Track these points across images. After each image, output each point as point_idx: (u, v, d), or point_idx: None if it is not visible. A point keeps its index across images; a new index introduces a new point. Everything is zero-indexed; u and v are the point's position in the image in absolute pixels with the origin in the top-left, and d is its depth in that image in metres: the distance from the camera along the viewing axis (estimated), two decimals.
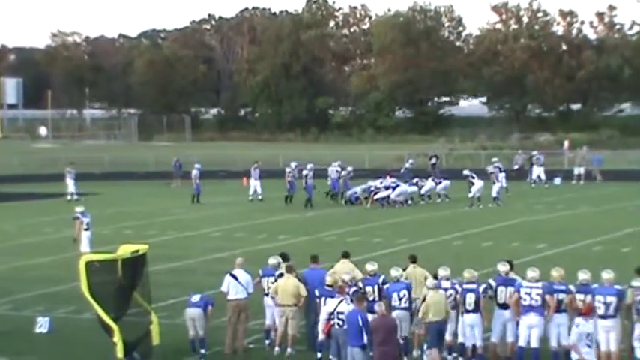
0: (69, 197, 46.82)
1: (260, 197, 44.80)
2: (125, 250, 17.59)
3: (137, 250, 17.62)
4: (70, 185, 47.51)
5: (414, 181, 43.14)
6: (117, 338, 16.82)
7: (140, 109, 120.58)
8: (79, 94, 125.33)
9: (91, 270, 16.80)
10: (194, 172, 45.49)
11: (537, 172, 50.94)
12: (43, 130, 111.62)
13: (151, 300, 18.06)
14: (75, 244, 26.75)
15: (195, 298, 18.33)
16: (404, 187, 41.74)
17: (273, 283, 18.13)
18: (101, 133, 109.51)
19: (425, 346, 16.91)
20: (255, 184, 45.36)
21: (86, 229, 26.95)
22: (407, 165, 50.12)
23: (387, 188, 41.48)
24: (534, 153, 53.42)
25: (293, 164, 44.16)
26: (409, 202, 41.82)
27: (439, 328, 16.58)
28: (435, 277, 17.15)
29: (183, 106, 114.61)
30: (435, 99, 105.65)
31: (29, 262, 21.56)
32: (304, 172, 43.19)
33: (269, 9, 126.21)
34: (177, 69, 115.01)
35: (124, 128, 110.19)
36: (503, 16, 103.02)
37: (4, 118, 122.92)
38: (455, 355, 17.09)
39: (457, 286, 16.93)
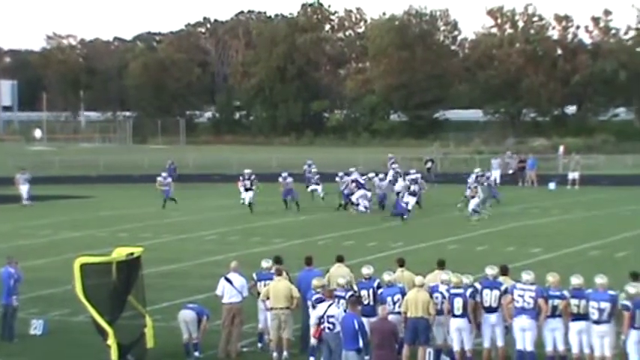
0: (25, 202, 45.93)
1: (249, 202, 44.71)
2: (120, 253, 17.59)
3: (132, 253, 17.61)
4: (24, 190, 46.34)
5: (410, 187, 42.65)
6: (111, 341, 16.81)
7: (135, 111, 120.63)
8: (74, 97, 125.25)
9: (85, 273, 16.78)
10: (159, 179, 44.88)
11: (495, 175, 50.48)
12: (38, 133, 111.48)
13: (145, 303, 18.06)
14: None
15: (191, 305, 18.38)
16: (363, 192, 41.22)
17: None
18: (96, 136, 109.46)
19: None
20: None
21: None
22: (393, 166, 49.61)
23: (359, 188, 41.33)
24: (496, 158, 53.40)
25: (284, 173, 43.55)
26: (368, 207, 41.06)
27: (415, 326, 16.67)
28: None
29: (178, 109, 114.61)
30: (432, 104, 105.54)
31: (24, 265, 21.48)
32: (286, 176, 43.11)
33: (264, 12, 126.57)
34: (172, 72, 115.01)
35: (119, 131, 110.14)
36: (499, 21, 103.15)
37: None
38: (446, 358, 17.12)
39: (444, 291, 16.93)
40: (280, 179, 43.33)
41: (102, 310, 16.92)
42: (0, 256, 23.85)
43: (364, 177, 42.11)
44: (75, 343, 19.09)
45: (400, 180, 42.87)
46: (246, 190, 41.73)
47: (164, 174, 45.77)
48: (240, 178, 42.31)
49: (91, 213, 42.49)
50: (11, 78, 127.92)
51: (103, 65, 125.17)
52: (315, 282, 17.07)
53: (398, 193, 41.28)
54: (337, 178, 44.72)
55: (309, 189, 45.36)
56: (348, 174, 44.38)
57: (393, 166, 46.48)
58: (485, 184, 41.48)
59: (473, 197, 38.33)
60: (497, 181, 49.91)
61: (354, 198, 40.78)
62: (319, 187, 44.99)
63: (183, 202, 44.66)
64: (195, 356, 17.90)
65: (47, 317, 20.73)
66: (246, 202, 41.36)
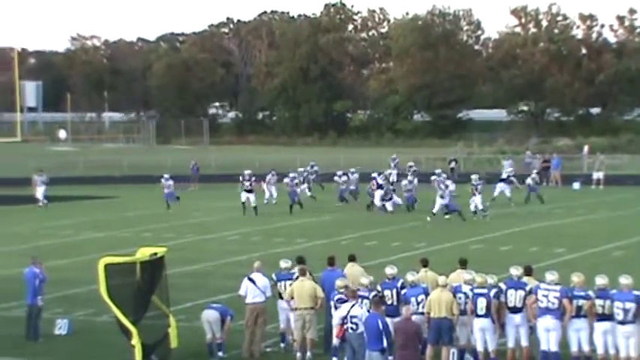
0: (41, 204, 45.84)
1: (274, 202, 44.77)
2: (144, 253, 17.61)
3: (156, 253, 17.64)
4: (40, 191, 46.15)
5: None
6: (135, 341, 16.83)
7: (158, 112, 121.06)
8: (98, 98, 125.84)
9: (109, 273, 16.82)
10: (164, 182, 44.29)
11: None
12: (62, 134, 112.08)
13: (169, 303, 18.08)
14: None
15: (215, 305, 18.41)
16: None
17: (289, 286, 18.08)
18: (120, 137, 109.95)
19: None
20: (271, 189, 45.40)
21: None
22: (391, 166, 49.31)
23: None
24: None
25: (292, 174, 43.39)
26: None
27: (438, 327, 16.62)
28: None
29: (201, 110, 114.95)
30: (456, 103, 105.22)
31: (47, 265, 21.57)
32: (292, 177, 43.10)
33: (287, 13, 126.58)
34: (196, 72, 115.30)
35: (143, 131, 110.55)
36: (523, 20, 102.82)
37: (24, 121, 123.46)
38: (470, 359, 17.06)
39: (467, 291, 16.87)
40: (287, 180, 42.73)
41: (126, 310, 16.94)
42: (24, 257, 24.01)
43: (381, 176, 41.99)
44: (99, 342, 19.15)
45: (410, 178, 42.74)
46: (247, 191, 40.76)
47: (166, 175, 45.06)
48: (240, 178, 41.49)
49: (114, 213, 42.63)
50: (36, 79, 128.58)
51: (127, 66, 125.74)
52: (338, 282, 17.03)
53: (409, 191, 41.26)
54: (336, 178, 45.10)
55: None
56: (346, 174, 44.62)
57: (409, 165, 46.34)
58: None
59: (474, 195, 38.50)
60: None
61: (376, 200, 40.76)
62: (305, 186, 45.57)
63: (207, 203, 44.75)
64: (218, 356, 17.90)
65: (72, 317, 20.80)
66: (252, 205, 40.35)
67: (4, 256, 30.38)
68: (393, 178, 44.84)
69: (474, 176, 39.73)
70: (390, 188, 41.29)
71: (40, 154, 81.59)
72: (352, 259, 19.00)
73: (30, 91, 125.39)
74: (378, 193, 40.91)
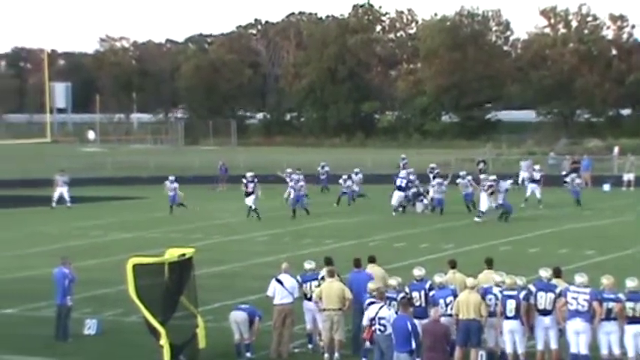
0: (54, 205, 45.52)
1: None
2: (172, 253, 17.66)
3: (184, 254, 17.68)
4: (64, 192, 45.80)
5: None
6: (163, 341, 16.87)
7: (186, 113, 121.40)
8: (127, 99, 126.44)
9: (138, 273, 16.87)
10: (169, 185, 43.31)
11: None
12: (91, 134, 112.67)
13: (197, 303, 18.12)
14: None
15: (243, 305, 18.43)
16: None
17: (316, 287, 18.07)
18: (148, 137, 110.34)
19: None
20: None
21: None
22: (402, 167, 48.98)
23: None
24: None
25: (295, 176, 42.23)
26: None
27: (466, 328, 16.55)
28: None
29: (229, 111, 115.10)
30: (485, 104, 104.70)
31: (76, 265, 21.68)
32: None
33: (315, 13, 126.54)
34: (224, 73, 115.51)
35: (171, 132, 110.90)
36: (552, 21, 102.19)
37: (54, 122, 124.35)
38: None
39: (497, 293, 16.78)
40: (291, 183, 41.74)
41: (154, 310, 16.98)
42: (53, 257, 24.14)
43: (402, 177, 41.91)
44: (128, 343, 19.22)
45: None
46: (247, 195, 39.55)
47: (171, 177, 43.82)
48: (244, 181, 39.99)
49: (142, 214, 42.79)
50: (65, 80, 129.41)
51: (156, 67, 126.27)
52: (370, 285, 16.96)
53: (440, 193, 41.04)
54: (340, 181, 45.07)
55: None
56: (350, 176, 44.59)
57: (432, 167, 46.03)
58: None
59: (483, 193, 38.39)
60: (526, 183, 49.25)
61: (393, 200, 40.68)
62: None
63: (235, 204, 44.76)
64: (246, 357, 17.92)
65: (101, 317, 20.90)
66: (252, 207, 39.23)
67: (33, 257, 30.57)
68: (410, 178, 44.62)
69: (482, 176, 39.96)
70: (422, 189, 41.25)
71: (69, 154, 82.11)
72: (372, 260, 19.01)
73: (59, 93, 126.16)
74: (397, 195, 40.87)
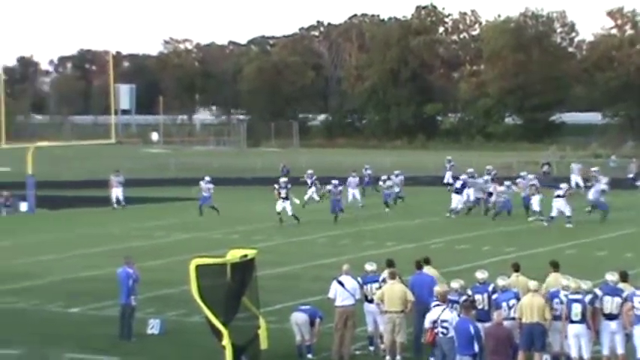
0: (115, 206, 45.88)
1: (360, 204, 44.69)
2: (234, 254, 17.69)
3: (246, 255, 17.71)
4: (118, 192, 45.99)
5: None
6: (226, 342, 16.91)
7: (249, 114, 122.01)
8: (190, 100, 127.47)
9: (200, 274, 16.94)
10: (204, 185, 42.76)
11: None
12: (154, 136, 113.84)
13: (259, 304, 18.15)
14: None
15: (304, 307, 18.44)
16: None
17: (377, 289, 18.00)
18: (210, 139, 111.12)
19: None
20: (353, 192, 45.07)
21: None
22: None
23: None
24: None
25: (334, 181, 40.82)
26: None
27: (530, 332, 16.35)
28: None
29: (291, 112, 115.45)
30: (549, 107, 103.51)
31: (139, 265, 21.85)
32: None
33: (378, 15, 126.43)
34: (286, 75, 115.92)
35: (233, 134, 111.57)
36: (619, 22, 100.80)
37: (118, 123, 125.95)
38: None
39: (563, 297, 16.55)
40: (330, 187, 40.87)
41: (217, 311, 17.04)
42: (117, 257, 24.37)
43: (462, 179, 41.71)
44: (190, 343, 19.32)
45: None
46: (283, 199, 38.46)
47: (207, 178, 43.21)
48: (276, 186, 39.05)
49: (204, 215, 42.99)
50: (129, 82, 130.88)
51: (218, 69, 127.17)
52: (437, 289, 16.81)
53: (490, 194, 40.81)
54: (380, 182, 44.78)
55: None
56: (390, 177, 44.32)
57: (488, 169, 45.61)
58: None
59: (534, 195, 38.38)
60: (581, 184, 48.62)
61: (454, 204, 40.41)
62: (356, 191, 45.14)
63: (295, 205, 44.79)
64: (308, 358, 17.91)
65: (164, 317, 21.03)
66: (289, 214, 38.25)
67: (97, 256, 30.92)
68: (449, 179, 44.56)
69: (530, 176, 39.55)
70: (487, 189, 41.03)
71: (132, 155, 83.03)
72: (427, 262, 18.89)
73: (124, 94, 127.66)
74: (456, 198, 40.60)
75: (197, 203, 43.08)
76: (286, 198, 38.76)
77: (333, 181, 40.55)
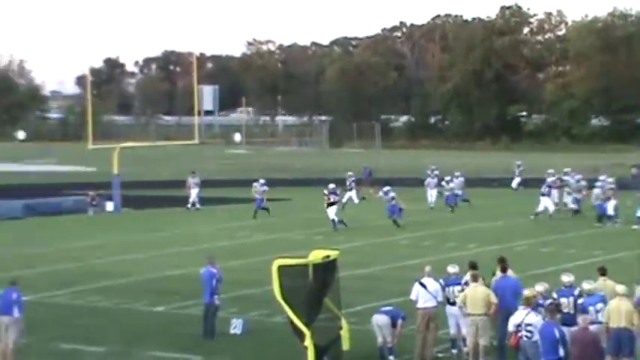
0: (189, 206, 45.96)
1: (432, 206, 44.56)
2: (316, 255, 17.72)
3: (328, 256, 17.72)
4: (194, 193, 46.13)
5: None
6: (308, 342, 16.93)
7: (331, 115, 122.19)
8: (272, 101, 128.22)
9: (283, 274, 17.00)
10: (258, 187, 42.66)
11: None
12: (237, 137, 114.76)
13: (340, 306, 18.14)
14: None
15: (386, 308, 18.38)
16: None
17: (459, 292, 17.87)
18: (293, 140, 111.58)
19: None
20: (431, 193, 45.33)
21: None
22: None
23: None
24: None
25: (387, 187, 39.92)
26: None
27: (617, 337, 16.04)
28: None
29: (373, 114, 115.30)
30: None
31: (222, 265, 22.04)
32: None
33: (461, 16, 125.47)
34: (369, 76, 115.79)
35: (315, 135, 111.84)
36: None
37: (202, 124, 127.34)
38: None
39: None
40: (381, 193, 40.14)
41: (299, 311, 17.08)
42: (201, 257, 24.59)
43: (553, 180, 41.18)
44: (273, 343, 19.39)
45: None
46: (329, 205, 37.87)
47: (262, 180, 43.19)
48: (325, 192, 38.40)
49: (287, 215, 43.19)
50: (213, 83, 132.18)
51: (301, 70, 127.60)
52: (527, 292, 16.56)
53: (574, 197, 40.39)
54: (443, 183, 44.32)
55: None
56: (452, 179, 43.74)
57: (565, 172, 44.91)
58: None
59: (609, 199, 37.67)
60: None
61: (540, 207, 39.97)
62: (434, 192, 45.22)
63: (377, 206, 44.70)
64: None
65: (246, 317, 21.16)
66: (335, 219, 37.49)
67: (181, 256, 31.27)
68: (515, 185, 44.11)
69: (610, 179, 39.01)
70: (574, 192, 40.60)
71: (216, 156, 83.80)
72: (503, 261, 18.57)
73: (207, 95, 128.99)
74: (545, 200, 40.10)
75: (276, 205, 43.24)
76: (334, 203, 37.96)
77: (384, 188, 39.46)
